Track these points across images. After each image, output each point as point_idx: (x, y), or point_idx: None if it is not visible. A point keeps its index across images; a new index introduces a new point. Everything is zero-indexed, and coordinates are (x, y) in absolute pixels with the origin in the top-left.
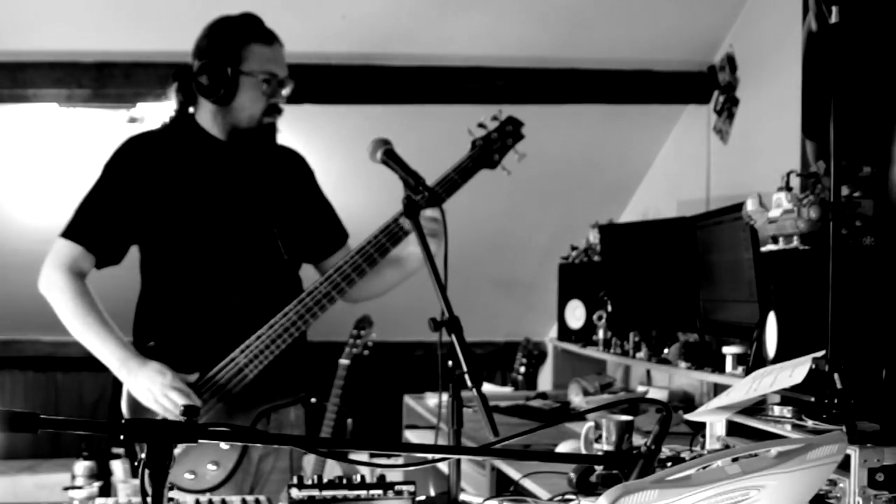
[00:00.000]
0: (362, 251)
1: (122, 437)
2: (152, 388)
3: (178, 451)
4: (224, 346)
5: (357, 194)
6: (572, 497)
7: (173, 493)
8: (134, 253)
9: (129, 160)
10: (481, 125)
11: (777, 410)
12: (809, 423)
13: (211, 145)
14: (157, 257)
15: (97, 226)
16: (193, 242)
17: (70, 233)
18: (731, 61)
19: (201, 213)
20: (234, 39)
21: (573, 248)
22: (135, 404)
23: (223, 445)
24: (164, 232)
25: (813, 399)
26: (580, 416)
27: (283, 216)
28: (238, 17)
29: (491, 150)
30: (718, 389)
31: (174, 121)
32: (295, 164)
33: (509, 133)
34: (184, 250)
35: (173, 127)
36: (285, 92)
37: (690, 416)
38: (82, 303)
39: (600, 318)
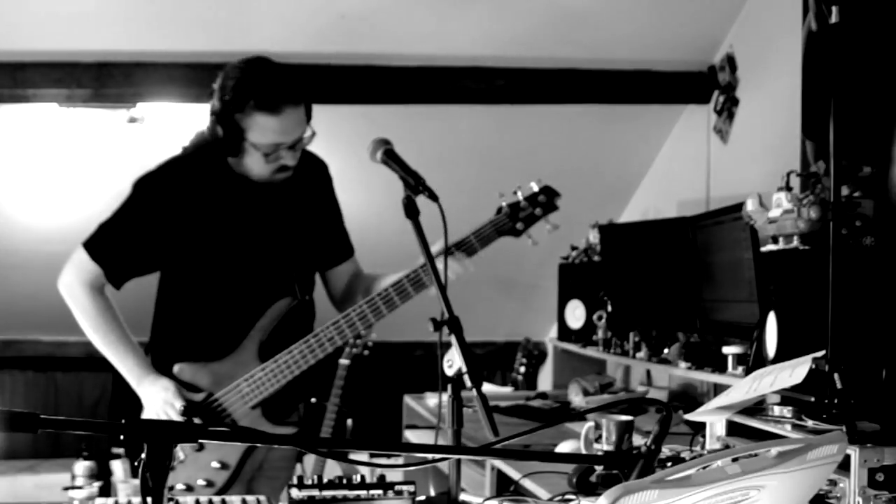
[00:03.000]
0: (371, 301)
1: (122, 437)
2: (156, 403)
3: (175, 461)
4: (236, 373)
5: (357, 194)
6: (572, 497)
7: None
8: None
9: (158, 192)
10: (515, 192)
11: (777, 410)
12: (809, 423)
13: (234, 181)
14: (177, 281)
15: (118, 252)
16: (212, 273)
17: (93, 251)
18: (731, 61)
19: (222, 250)
20: (238, 106)
21: (573, 248)
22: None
23: (213, 464)
24: (183, 264)
25: (813, 399)
26: (580, 416)
27: (301, 249)
28: (247, 74)
29: (516, 218)
30: (718, 389)
31: (202, 149)
32: (315, 173)
33: (540, 203)
34: (203, 279)
35: (201, 155)
36: (300, 147)
37: (690, 416)
38: (104, 320)
39: (600, 318)
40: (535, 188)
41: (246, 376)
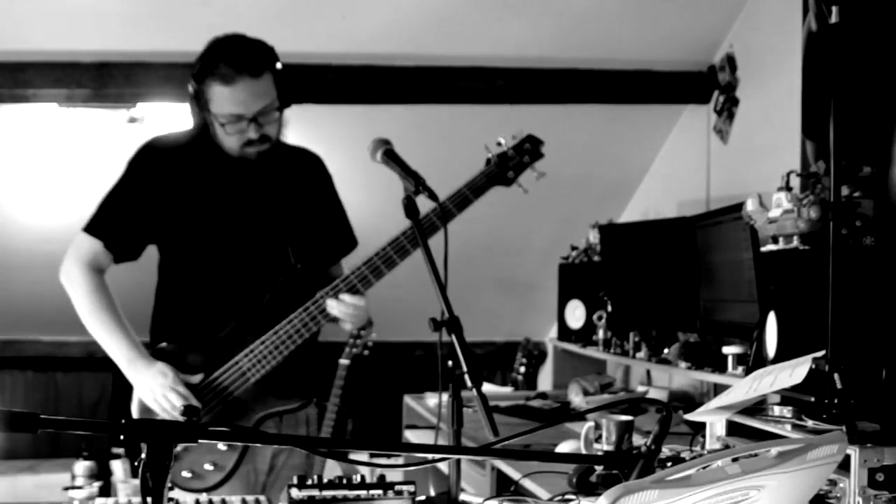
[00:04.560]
0: (370, 262)
1: (122, 437)
2: (153, 388)
3: (176, 449)
4: (233, 350)
5: (357, 194)
6: (572, 497)
7: (173, 493)
8: (153, 253)
9: (151, 163)
10: (499, 143)
11: (777, 410)
12: (809, 423)
13: (218, 156)
14: (173, 259)
15: (116, 224)
16: (207, 248)
17: (91, 228)
18: (731, 61)
19: (215, 220)
20: (200, 77)
21: (573, 248)
22: (143, 406)
23: (221, 446)
24: (179, 236)
25: (813, 399)
26: (580, 416)
27: (295, 225)
28: (212, 46)
29: (506, 167)
30: (718, 389)
31: (196, 127)
32: (311, 168)
33: (527, 151)
34: (198, 255)
35: (194, 132)
36: (268, 123)
37: (690, 416)
38: (98, 300)
39: (600, 318)
40: (519, 139)
41: (245, 351)
